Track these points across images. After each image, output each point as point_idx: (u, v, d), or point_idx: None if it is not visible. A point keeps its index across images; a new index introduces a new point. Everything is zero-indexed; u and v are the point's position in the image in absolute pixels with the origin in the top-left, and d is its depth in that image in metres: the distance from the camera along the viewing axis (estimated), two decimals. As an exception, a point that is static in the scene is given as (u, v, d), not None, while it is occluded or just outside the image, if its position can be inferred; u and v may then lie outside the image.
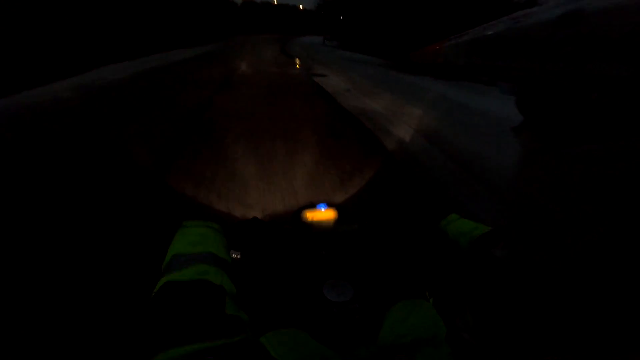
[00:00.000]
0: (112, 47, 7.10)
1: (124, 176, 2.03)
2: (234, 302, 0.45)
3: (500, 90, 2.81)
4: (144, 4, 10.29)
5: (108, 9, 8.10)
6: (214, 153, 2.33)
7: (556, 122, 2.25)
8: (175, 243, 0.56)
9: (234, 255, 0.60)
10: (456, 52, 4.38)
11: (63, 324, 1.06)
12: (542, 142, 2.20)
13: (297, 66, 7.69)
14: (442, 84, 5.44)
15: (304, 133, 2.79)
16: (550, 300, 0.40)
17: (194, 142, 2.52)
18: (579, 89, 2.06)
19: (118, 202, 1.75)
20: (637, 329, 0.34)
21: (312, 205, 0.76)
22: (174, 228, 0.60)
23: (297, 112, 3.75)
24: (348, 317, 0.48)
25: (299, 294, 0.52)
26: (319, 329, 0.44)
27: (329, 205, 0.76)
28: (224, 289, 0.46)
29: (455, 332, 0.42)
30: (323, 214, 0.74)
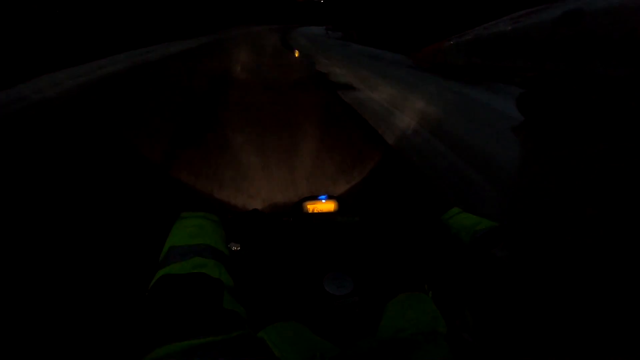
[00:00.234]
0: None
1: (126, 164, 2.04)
2: (231, 295, 0.45)
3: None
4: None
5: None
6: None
7: (556, 122, 2.25)
8: (172, 235, 0.55)
9: (234, 248, 0.59)
10: (456, 52, 4.38)
11: (63, 318, 1.06)
12: (542, 142, 2.20)
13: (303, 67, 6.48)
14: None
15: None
16: (550, 300, 0.40)
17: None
18: (579, 89, 2.06)
19: (122, 188, 1.75)
20: (637, 329, 0.34)
21: (313, 197, 0.75)
22: (172, 219, 0.59)
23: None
24: (348, 310, 0.48)
25: (299, 286, 0.52)
26: (319, 322, 0.44)
27: (330, 196, 0.75)
28: (222, 283, 0.45)
29: (455, 332, 0.42)
30: (324, 205, 0.74)
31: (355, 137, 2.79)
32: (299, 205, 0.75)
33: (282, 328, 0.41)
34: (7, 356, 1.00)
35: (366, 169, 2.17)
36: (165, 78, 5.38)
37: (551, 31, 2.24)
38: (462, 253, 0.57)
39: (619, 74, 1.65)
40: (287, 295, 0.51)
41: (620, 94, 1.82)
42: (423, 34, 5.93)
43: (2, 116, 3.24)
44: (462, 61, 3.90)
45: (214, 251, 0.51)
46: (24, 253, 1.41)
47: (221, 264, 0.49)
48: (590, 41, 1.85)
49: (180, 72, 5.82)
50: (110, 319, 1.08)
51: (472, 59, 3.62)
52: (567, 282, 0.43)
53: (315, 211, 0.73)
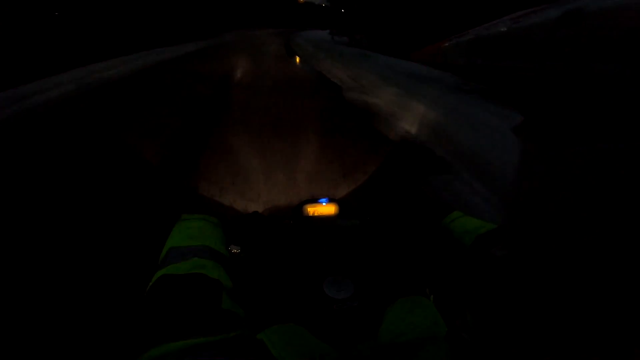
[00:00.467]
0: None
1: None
2: (230, 297, 0.44)
3: None
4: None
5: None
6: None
7: (556, 122, 2.24)
8: (172, 236, 0.55)
9: (234, 250, 0.59)
10: (456, 52, 4.37)
11: (61, 317, 1.06)
12: (542, 142, 2.20)
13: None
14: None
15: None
16: (550, 300, 0.40)
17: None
18: (579, 89, 2.06)
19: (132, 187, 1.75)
20: (637, 329, 0.35)
21: (314, 200, 0.75)
22: (173, 221, 0.59)
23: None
24: (348, 314, 0.47)
25: (299, 289, 0.52)
26: (319, 326, 0.44)
27: (331, 199, 0.75)
28: (221, 283, 0.45)
29: (455, 332, 0.42)
30: (324, 208, 0.73)
31: (357, 141, 2.78)
32: (299, 208, 0.75)
33: (282, 330, 0.41)
34: (6, 356, 1.00)
35: (367, 172, 2.18)
36: (167, 82, 5.32)
37: (551, 31, 2.24)
38: (463, 256, 0.57)
39: (619, 74, 1.65)
40: (287, 298, 0.51)
41: (620, 94, 1.82)
42: (423, 34, 5.81)
43: (3, 117, 3.25)
44: (462, 61, 3.89)
45: (213, 253, 0.51)
46: (23, 252, 1.41)
47: (220, 266, 0.49)
48: (590, 41, 1.85)
49: (181, 76, 5.75)
50: (108, 318, 1.09)
51: (472, 59, 3.62)
52: (567, 282, 0.43)
53: (316, 214, 0.72)
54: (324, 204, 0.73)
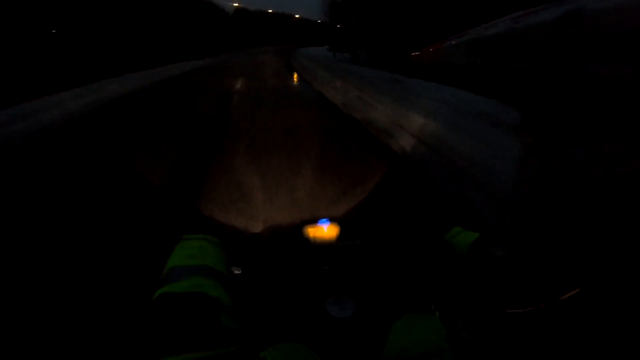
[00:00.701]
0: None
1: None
2: (230, 315, 0.45)
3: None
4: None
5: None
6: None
7: (556, 122, 2.24)
8: (173, 256, 0.56)
9: (235, 271, 0.60)
10: (456, 52, 4.38)
11: (61, 329, 1.06)
12: (542, 142, 2.20)
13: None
14: None
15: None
16: (550, 300, 0.40)
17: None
18: (579, 89, 2.06)
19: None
20: (637, 329, 0.34)
21: (314, 221, 0.75)
22: (174, 241, 0.60)
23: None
24: (351, 333, 0.48)
25: (302, 309, 0.52)
26: (322, 345, 0.44)
27: (331, 220, 0.75)
28: (220, 302, 0.45)
29: (455, 332, 0.42)
30: (325, 230, 0.73)
31: (356, 158, 2.77)
32: (299, 229, 0.74)
33: (286, 348, 0.41)
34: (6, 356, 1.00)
35: (366, 189, 2.17)
36: (169, 99, 5.32)
37: (551, 31, 2.24)
38: (464, 265, 0.57)
39: (619, 74, 1.65)
40: (290, 317, 0.51)
41: (620, 94, 1.82)
42: (423, 34, 5.73)
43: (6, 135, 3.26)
44: (462, 61, 3.90)
45: (213, 272, 0.52)
46: (26, 262, 1.42)
47: (220, 285, 0.49)
48: (590, 41, 1.85)
49: (182, 94, 5.73)
50: (108, 333, 1.09)
51: (472, 59, 3.62)
52: (566, 282, 0.43)
53: (317, 236, 0.72)
54: (324, 225, 0.73)
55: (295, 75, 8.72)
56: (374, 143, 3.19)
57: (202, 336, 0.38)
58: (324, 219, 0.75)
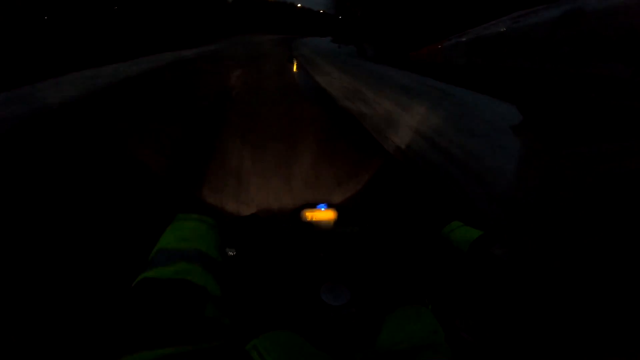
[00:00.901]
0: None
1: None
2: (216, 305, 0.43)
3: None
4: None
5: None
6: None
7: (556, 122, 2.24)
8: (163, 237, 0.54)
9: (230, 253, 0.59)
10: (456, 52, 4.37)
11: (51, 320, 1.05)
12: (542, 142, 2.19)
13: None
14: None
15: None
16: (550, 300, 0.40)
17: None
18: (579, 89, 2.05)
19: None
20: (637, 329, 0.34)
21: (312, 205, 0.75)
22: (168, 221, 0.59)
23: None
24: (344, 321, 0.47)
25: (295, 295, 0.51)
26: (315, 332, 0.44)
27: (330, 205, 0.75)
28: (207, 291, 0.44)
29: (455, 332, 0.42)
30: (323, 213, 0.73)
31: (355, 148, 2.73)
32: (297, 212, 0.74)
33: (277, 336, 0.40)
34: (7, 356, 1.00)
35: (361, 181, 2.15)
36: (167, 86, 5.21)
37: (551, 31, 2.23)
38: (461, 262, 0.57)
39: (619, 74, 1.64)
40: (283, 304, 0.51)
41: (620, 94, 1.82)
42: (423, 34, 5.62)
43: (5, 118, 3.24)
44: (462, 61, 3.89)
45: (203, 257, 0.50)
46: (23, 253, 1.41)
47: (209, 272, 0.48)
48: (590, 41, 1.84)
49: (181, 81, 5.59)
50: (83, 323, 1.07)
51: (472, 59, 3.61)
52: (566, 282, 0.43)
53: (314, 219, 0.72)
54: (322, 209, 0.73)
55: (294, 64, 8.23)
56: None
57: (183, 328, 0.37)
58: (323, 204, 0.75)
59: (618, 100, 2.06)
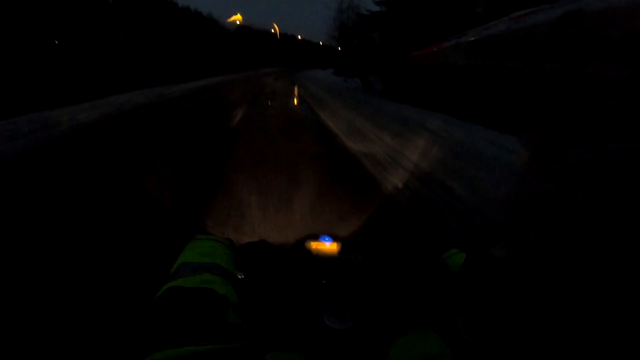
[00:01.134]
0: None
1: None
2: (236, 313, 0.46)
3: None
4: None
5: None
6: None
7: (556, 122, 2.25)
8: (184, 253, 0.58)
9: (239, 276, 0.62)
10: (456, 52, 4.35)
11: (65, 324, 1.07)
12: (542, 142, 2.20)
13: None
14: None
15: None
16: (550, 301, 0.40)
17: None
18: (579, 89, 2.06)
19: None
20: (637, 329, 0.34)
21: (316, 236, 0.77)
22: (186, 241, 0.62)
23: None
24: (348, 344, 0.49)
25: (300, 319, 0.53)
26: (318, 355, 0.46)
27: (334, 237, 0.77)
28: (228, 299, 0.47)
29: (455, 333, 0.43)
30: (327, 246, 0.75)
31: (352, 186, 2.76)
32: (301, 243, 0.76)
33: (282, 357, 0.42)
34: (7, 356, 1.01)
35: (362, 218, 2.21)
36: (176, 117, 4.89)
37: (551, 31, 2.23)
38: (456, 284, 0.58)
39: (619, 74, 1.65)
40: (288, 326, 0.52)
41: (620, 94, 1.82)
42: (423, 34, 5.58)
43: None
44: (462, 61, 3.89)
45: (223, 271, 0.54)
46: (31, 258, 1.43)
47: (229, 283, 0.51)
48: (590, 41, 1.84)
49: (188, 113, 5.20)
50: (111, 326, 1.10)
51: (472, 59, 3.61)
52: (567, 282, 0.43)
53: (319, 249, 0.74)
54: (326, 241, 0.76)
55: (295, 98, 7.25)
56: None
57: (208, 331, 0.39)
58: (326, 236, 0.77)
59: (618, 100, 2.06)
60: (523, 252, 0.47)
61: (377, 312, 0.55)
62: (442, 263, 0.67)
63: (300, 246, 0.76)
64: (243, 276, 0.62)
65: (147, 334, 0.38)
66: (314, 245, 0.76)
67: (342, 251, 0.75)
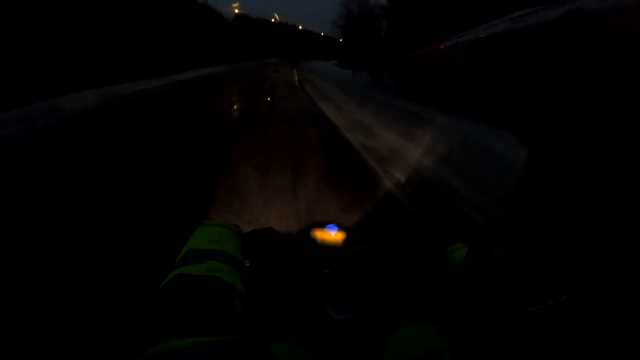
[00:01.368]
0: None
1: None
2: (242, 302, 0.45)
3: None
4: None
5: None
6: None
7: (557, 122, 2.24)
8: (192, 239, 0.56)
9: (245, 264, 0.61)
10: (456, 52, 4.37)
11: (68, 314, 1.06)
12: (543, 142, 2.20)
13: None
14: None
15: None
16: (550, 301, 0.40)
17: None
18: (579, 89, 2.05)
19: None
20: (637, 329, 0.34)
21: (322, 224, 0.76)
22: (194, 226, 0.61)
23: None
24: (349, 335, 0.48)
25: (302, 308, 0.52)
26: (320, 345, 0.45)
27: (339, 226, 0.76)
28: (235, 288, 0.46)
29: (455, 332, 0.42)
30: (332, 235, 0.74)
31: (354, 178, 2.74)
32: (306, 231, 0.76)
33: (285, 347, 0.42)
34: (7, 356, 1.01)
35: (365, 209, 2.18)
36: (180, 106, 4.82)
37: (551, 31, 2.23)
38: (459, 278, 0.58)
39: (619, 74, 1.64)
40: (290, 316, 0.52)
41: (620, 94, 1.82)
42: (423, 34, 5.56)
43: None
44: (462, 61, 3.89)
45: (230, 258, 0.53)
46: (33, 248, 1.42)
47: (236, 271, 0.50)
48: (590, 41, 1.84)
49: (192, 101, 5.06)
50: (116, 314, 1.09)
51: (472, 59, 3.61)
52: (566, 282, 0.43)
53: (324, 239, 0.73)
54: (332, 230, 0.75)
55: (296, 79, 6.29)
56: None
57: (214, 320, 0.39)
58: (332, 225, 0.76)
59: (618, 100, 2.06)
60: (523, 252, 0.47)
61: (379, 304, 0.54)
62: (446, 257, 0.67)
63: (306, 234, 0.76)
64: (248, 264, 0.61)
65: (154, 323, 0.38)
66: (320, 234, 0.76)
67: (347, 240, 0.75)
